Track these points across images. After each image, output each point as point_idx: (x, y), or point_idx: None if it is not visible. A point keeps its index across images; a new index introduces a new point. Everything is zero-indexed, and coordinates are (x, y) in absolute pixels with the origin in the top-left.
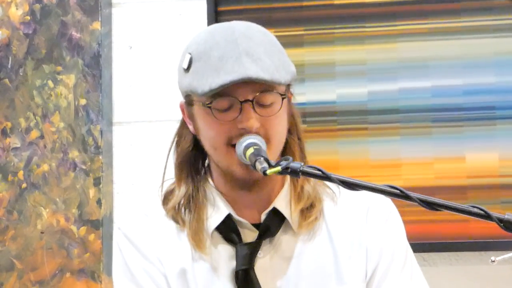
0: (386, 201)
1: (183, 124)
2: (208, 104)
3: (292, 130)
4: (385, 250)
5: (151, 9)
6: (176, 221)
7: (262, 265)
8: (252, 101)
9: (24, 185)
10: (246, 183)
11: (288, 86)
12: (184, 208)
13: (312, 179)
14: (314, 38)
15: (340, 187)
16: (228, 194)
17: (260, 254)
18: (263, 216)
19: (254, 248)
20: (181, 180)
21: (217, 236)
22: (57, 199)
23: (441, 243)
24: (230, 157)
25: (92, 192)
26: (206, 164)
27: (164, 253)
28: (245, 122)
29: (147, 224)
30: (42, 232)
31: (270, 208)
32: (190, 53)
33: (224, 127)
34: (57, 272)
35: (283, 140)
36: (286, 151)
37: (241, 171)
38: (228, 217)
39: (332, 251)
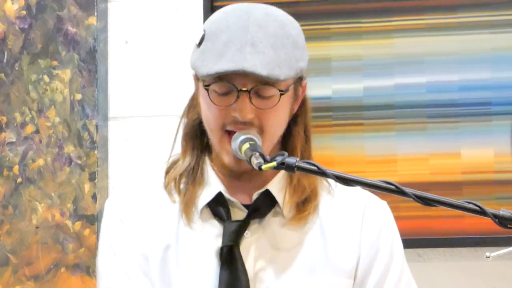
0: (383, 203)
1: (195, 95)
2: (206, 85)
3: (299, 123)
4: (381, 255)
5: (147, 4)
6: (170, 193)
7: (248, 245)
8: (249, 91)
9: (19, 180)
10: (234, 172)
11: (299, 79)
12: (183, 180)
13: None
14: (310, 33)
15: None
16: (223, 174)
17: (247, 234)
18: (254, 196)
19: (241, 226)
20: (186, 152)
21: (207, 212)
22: (52, 194)
23: (436, 239)
24: (223, 143)
25: (87, 187)
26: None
27: (148, 228)
28: (239, 111)
29: (136, 199)
30: (37, 227)
31: (263, 189)
32: (204, 30)
33: (220, 112)
34: (52, 267)
35: (279, 134)
36: (288, 144)
37: (230, 160)
38: (220, 195)
39: (322, 242)
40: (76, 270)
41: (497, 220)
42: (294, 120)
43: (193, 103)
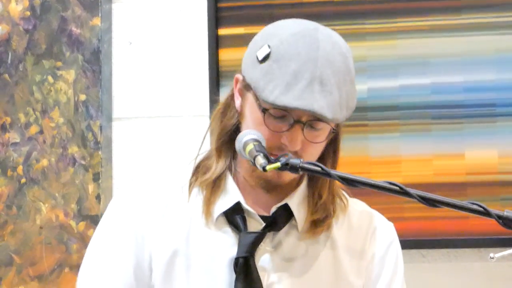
0: (390, 224)
1: (232, 96)
2: (264, 108)
3: (332, 144)
4: (385, 272)
5: (151, 5)
6: (190, 195)
7: (262, 256)
8: (304, 123)
9: (23, 180)
10: (271, 184)
11: None
12: (214, 180)
13: (338, 192)
14: None
15: (348, 200)
16: (245, 184)
17: (262, 245)
18: (273, 209)
19: (258, 238)
20: (220, 158)
21: (222, 221)
22: (56, 194)
23: (440, 240)
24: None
25: (91, 187)
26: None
27: (156, 230)
28: (289, 141)
29: (145, 198)
30: (41, 227)
31: (282, 203)
32: (269, 46)
33: (270, 135)
34: (56, 267)
35: (315, 159)
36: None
37: (272, 175)
38: (237, 205)
39: (332, 258)
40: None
41: (501, 221)
42: (327, 149)
43: (230, 104)
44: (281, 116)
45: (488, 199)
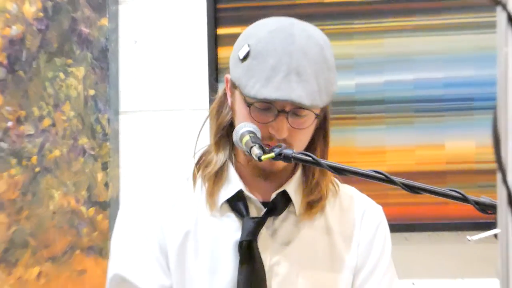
0: (379, 207)
1: (225, 94)
2: (249, 103)
3: (320, 129)
4: (375, 252)
5: (155, 6)
6: (195, 185)
7: (264, 240)
8: (288, 112)
9: (37, 169)
10: (266, 172)
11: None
12: (215, 172)
13: (329, 174)
14: None
15: (339, 186)
16: (245, 173)
17: (263, 229)
18: (273, 196)
19: (260, 223)
20: (219, 151)
21: (226, 207)
22: (68, 182)
23: (422, 224)
24: None
25: (100, 176)
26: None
27: (170, 216)
28: (276, 130)
29: (160, 191)
30: (54, 213)
31: (281, 189)
32: (249, 45)
33: (256, 125)
34: (68, 249)
35: (305, 146)
36: (310, 148)
37: (266, 163)
38: (240, 192)
39: (328, 241)
40: (90, 252)
41: (478, 206)
42: (317, 128)
43: (224, 102)
44: (266, 108)
45: (466, 186)
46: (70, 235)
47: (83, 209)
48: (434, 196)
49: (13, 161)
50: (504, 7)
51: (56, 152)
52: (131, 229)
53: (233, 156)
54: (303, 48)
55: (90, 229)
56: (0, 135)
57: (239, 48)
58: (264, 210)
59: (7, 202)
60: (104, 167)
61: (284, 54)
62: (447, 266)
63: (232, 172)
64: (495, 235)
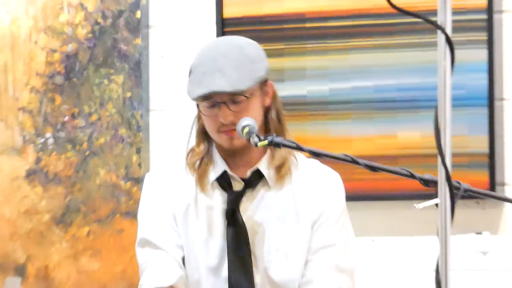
0: (336, 174)
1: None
2: (197, 104)
3: (271, 111)
4: (328, 207)
5: (177, 29)
6: (190, 170)
7: (244, 207)
8: (225, 102)
9: (87, 153)
10: (231, 151)
11: (263, 82)
12: (199, 161)
13: (291, 152)
14: (293, 50)
15: (301, 159)
16: (224, 156)
17: (244, 199)
18: (248, 173)
19: (240, 195)
20: (199, 144)
21: (215, 184)
22: (110, 163)
23: (380, 195)
24: (220, 138)
25: (134, 158)
26: None
27: (175, 197)
28: (222, 118)
29: (167, 175)
30: (99, 186)
31: (254, 168)
32: (190, 65)
33: (212, 120)
34: (110, 213)
35: (256, 124)
36: (266, 127)
37: (227, 144)
38: (225, 172)
39: (293, 201)
40: (127, 216)
41: (422, 181)
42: (268, 110)
43: (200, 115)
44: (211, 105)
45: (413, 167)
46: (112, 203)
47: (121, 183)
48: (389, 173)
49: (69, 146)
50: (443, 30)
51: (101, 140)
52: (150, 204)
53: (214, 146)
54: (224, 52)
55: (127, 198)
56: (59, 126)
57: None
58: (243, 184)
59: (64, 177)
60: (138, 151)
61: (209, 61)
62: (399, 227)
63: (218, 157)
64: (436, 204)
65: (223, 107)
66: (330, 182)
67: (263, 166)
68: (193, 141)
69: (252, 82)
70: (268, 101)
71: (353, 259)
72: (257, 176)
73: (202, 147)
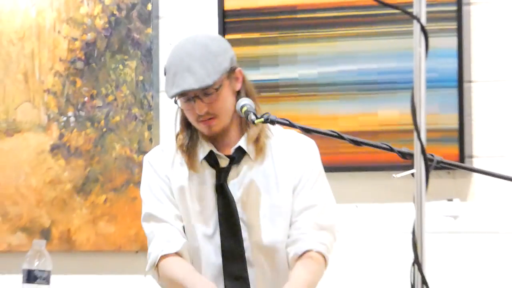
0: (312, 141)
1: None
2: (175, 101)
3: (241, 93)
4: (305, 172)
5: (184, 20)
6: (181, 153)
7: (232, 181)
8: (198, 96)
9: (104, 129)
10: (210, 136)
11: (231, 71)
12: (186, 144)
13: (259, 128)
14: (286, 38)
15: (276, 131)
16: (207, 139)
17: (230, 174)
18: (232, 150)
19: (227, 171)
20: (182, 131)
21: (205, 163)
22: (125, 138)
23: (362, 166)
24: (200, 127)
25: (146, 134)
26: None
27: (171, 174)
28: (198, 110)
29: (162, 155)
30: (115, 158)
31: (236, 146)
32: (165, 65)
33: (190, 113)
34: (124, 183)
35: (230, 110)
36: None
37: (207, 131)
38: (211, 152)
39: (274, 171)
40: (140, 185)
41: (400, 154)
42: (239, 93)
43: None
44: (187, 100)
45: (392, 141)
46: (126, 174)
47: (135, 156)
48: (371, 147)
49: (88, 124)
50: (418, 20)
51: (117, 118)
52: (150, 183)
53: (197, 132)
54: (190, 51)
55: (139, 170)
56: (80, 106)
57: None
58: (228, 161)
59: (84, 151)
60: (149, 128)
61: (178, 62)
62: (380, 194)
63: (203, 140)
64: (412, 174)
65: (197, 101)
66: (305, 149)
67: (243, 143)
68: (178, 127)
69: (218, 75)
70: (238, 86)
71: (332, 216)
72: (240, 153)
73: (185, 133)
